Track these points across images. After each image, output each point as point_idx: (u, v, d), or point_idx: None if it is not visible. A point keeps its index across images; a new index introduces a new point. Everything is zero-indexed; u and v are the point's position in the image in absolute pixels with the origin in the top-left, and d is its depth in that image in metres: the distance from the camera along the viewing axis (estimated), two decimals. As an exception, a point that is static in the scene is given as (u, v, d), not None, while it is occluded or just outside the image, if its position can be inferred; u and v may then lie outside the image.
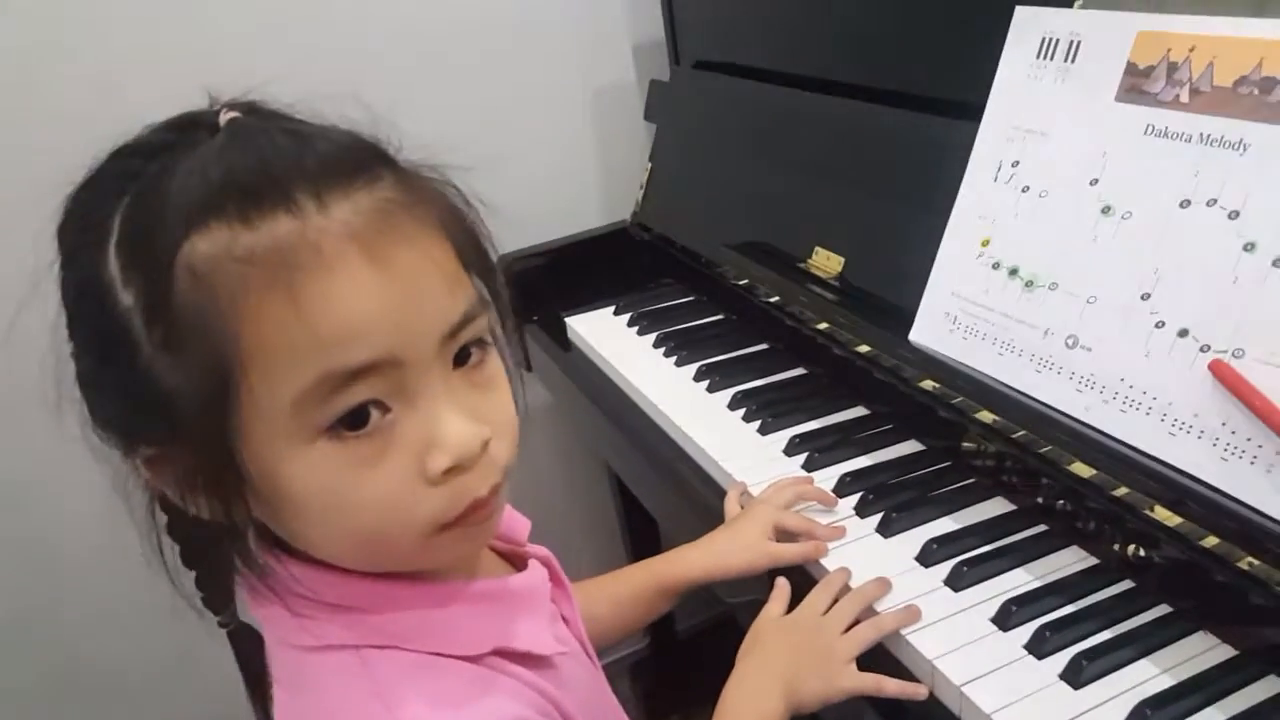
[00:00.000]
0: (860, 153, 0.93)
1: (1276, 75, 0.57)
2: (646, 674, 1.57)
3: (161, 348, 0.41)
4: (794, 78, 1.04)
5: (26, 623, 1.23)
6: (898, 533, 0.75)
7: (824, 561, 0.74)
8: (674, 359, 1.08)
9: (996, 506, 0.77)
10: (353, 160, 0.43)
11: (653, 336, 1.14)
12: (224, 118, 0.43)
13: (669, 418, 0.97)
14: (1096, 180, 0.67)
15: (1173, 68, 0.63)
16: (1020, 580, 0.69)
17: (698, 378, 1.03)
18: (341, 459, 0.42)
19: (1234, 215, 0.59)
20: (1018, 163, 0.73)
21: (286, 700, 0.49)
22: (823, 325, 0.92)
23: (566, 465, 1.48)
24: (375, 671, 0.46)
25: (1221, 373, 0.57)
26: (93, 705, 1.31)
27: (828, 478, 0.83)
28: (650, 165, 1.26)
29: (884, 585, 0.69)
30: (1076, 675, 0.60)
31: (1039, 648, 0.62)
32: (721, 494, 0.85)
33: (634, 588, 0.76)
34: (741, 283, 1.07)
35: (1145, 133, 0.64)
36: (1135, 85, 0.65)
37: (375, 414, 0.42)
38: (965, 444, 0.81)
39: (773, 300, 1.02)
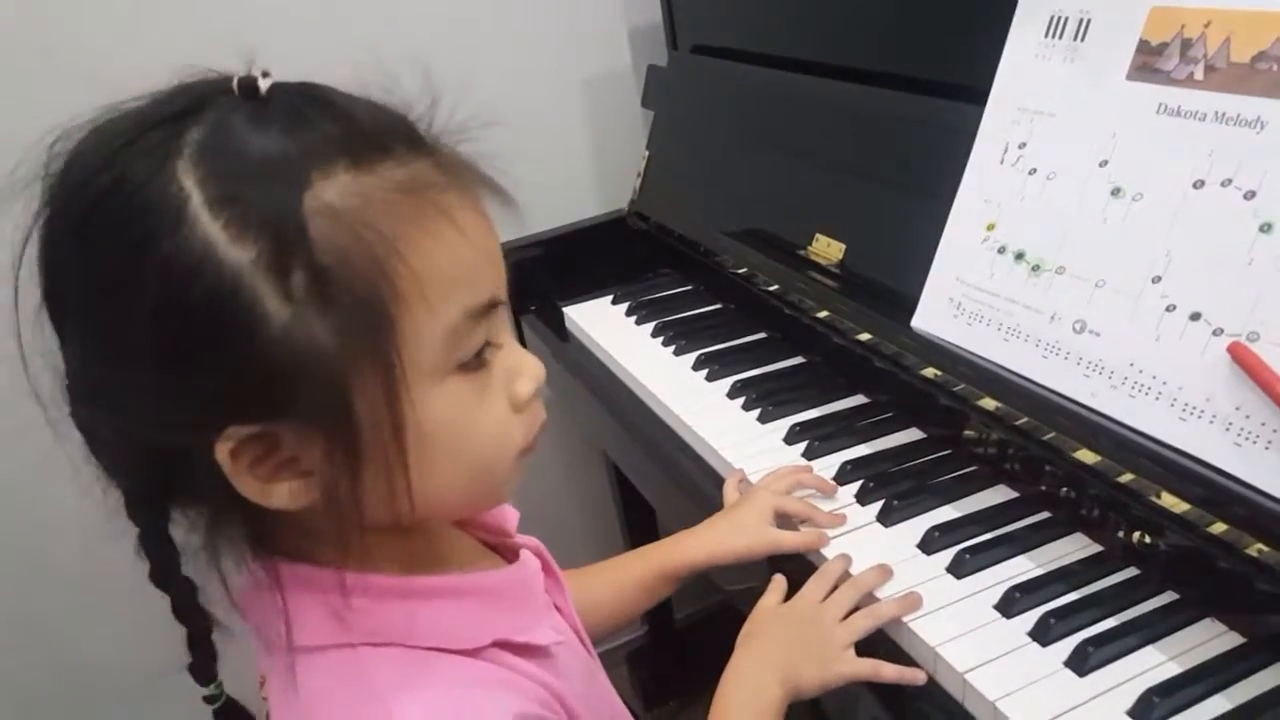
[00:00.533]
0: (862, 137, 0.92)
1: (1295, 51, 0.56)
2: (644, 662, 1.56)
3: (300, 299, 0.39)
4: (795, 61, 1.02)
5: (26, 623, 1.22)
6: (899, 521, 0.75)
7: (824, 549, 0.73)
8: (672, 348, 1.07)
9: (999, 494, 0.76)
10: (411, 129, 0.45)
11: (651, 325, 1.13)
12: (264, 84, 0.41)
13: (667, 407, 0.96)
14: (1106, 161, 0.66)
15: (1187, 44, 0.62)
16: (1023, 567, 0.68)
17: (696, 366, 1.02)
18: (468, 393, 0.45)
19: (1250, 195, 0.58)
20: (1025, 144, 0.72)
21: (283, 705, 0.48)
22: (823, 313, 0.91)
23: (565, 454, 1.47)
24: (373, 671, 0.45)
25: (1241, 356, 0.55)
26: (93, 705, 1.30)
27: (828, 466, 0.82)
28: (648, 153, 1.25)
29: (883, 573, 0.68)
30: (1081, 662, 0.59)
31: (1043, 635, 0.61)
32: (720, 483, 0.84)
33: (635, 573, 0.76)
34: (740, 271, 1.06)
35: (1158, 112, 0.63)
36: (1147, 63, 0.64)
37: (488, 349, 0.46)
38: (967, 432, 0.80)
39: (772, 288, 1.00)
